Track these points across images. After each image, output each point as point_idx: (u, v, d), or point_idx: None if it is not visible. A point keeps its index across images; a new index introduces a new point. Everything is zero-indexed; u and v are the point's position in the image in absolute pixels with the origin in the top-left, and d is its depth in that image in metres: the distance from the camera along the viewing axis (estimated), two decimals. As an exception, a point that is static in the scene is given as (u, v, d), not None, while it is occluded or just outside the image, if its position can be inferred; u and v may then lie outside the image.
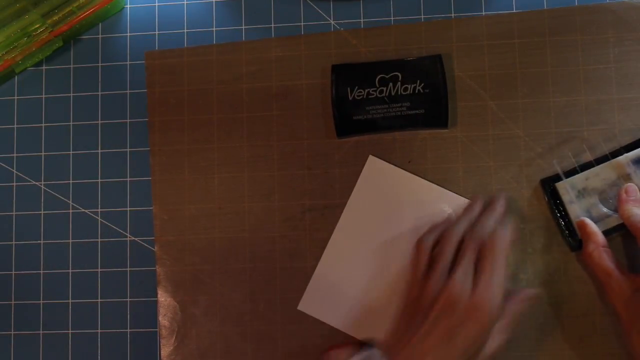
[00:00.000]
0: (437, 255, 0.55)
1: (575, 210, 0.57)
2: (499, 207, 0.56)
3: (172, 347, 0.61)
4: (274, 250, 0.61)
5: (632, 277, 0.54)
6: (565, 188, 0.58)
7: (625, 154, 0.58)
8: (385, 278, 0.60)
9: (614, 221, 0.57)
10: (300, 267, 0.61)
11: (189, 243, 0.62)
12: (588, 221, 0.57)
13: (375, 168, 0.61)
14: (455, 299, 0.51)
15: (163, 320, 0.62)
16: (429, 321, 0.51)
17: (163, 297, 0.62)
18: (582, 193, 0.57)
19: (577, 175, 0.58)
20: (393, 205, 0.61)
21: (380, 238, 0.60)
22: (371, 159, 0.61)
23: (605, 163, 0.58)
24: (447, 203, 0.60)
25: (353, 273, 0.60)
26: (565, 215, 0.58)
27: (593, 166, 0.58)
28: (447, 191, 0.60)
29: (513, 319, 0.54)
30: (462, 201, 0.60)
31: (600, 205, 0.57)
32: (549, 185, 0.59)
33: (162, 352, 0.61)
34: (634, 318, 0.52)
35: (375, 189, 0.61)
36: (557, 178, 0.58)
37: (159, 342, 0.62)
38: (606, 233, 0.57)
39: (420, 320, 0.52)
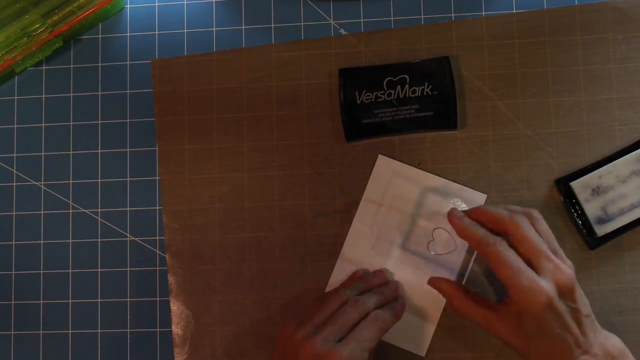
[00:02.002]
0: (314, 311, 0.54)
1: (592, 208, 0.58)
2: (392, 288, 0.57)
3: (186, 355, 0.61)
4: (286, 256, 0.61)
5: (505, 308, 0.52)
6: (580, 187, 0.58)
7: (636, 150, 0.58)
8: (400, 277, 0.60)
9: (631, 217, 0.58)
10: (313, 272, 0.61)
11: (200, 251, 0.62)
12: (439, 279, 0.57)
13: (385, 167, 0.61)
14: (314, 353, 0.50)
15: (176, 328, 0.62)
16: None
17: (176, 306, 0.62)
18: (596, 191, 0.58)
19: (590, 174, 0.58)
20: (405, 202, 0.61)
21: (394, 236, 0.60)
22: (381, 158, 0.61)
23: (617, 160, 0.58)
24: (459, 197, 0.60)
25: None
26: (582, 214, 0.58)
27: (605, 164, 0.58)
28: (459, 185, 0.60)
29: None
30: (476, 195, 0.60)
31: (617, 202, 0.58)
32: (563, 185, 0.59)
33: (175, 361, 0.62)
34: (527, 343, 0.51)
35: (386, 188, 0.61)
36: (571, 177, 0.59)
37: (159, 344, 0.62)
38: (625, 229, 0.57)
39: None
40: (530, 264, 0.52)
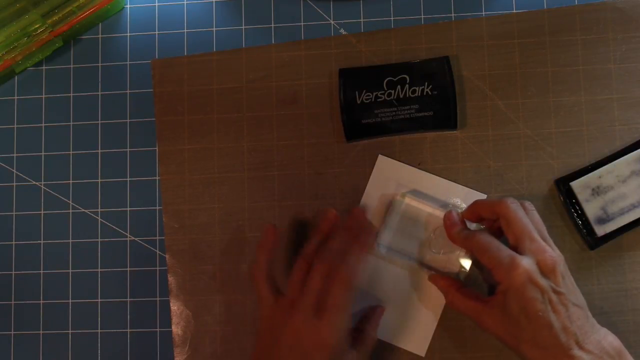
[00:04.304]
0: (289, 283, 0.55)
1: (592, 208, 0.58)
2: (356, 222, 0.56)
3: (186, 355, 0.61)
4: (285, 256, 0.61)
5: (492, 298, 0.53)
6: (580, 187, 0.58)
7: (636, 150, 0.58)
8: (400, 276, 0.60)
9: (631, 217, 0.58)
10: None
11: (200, 251, 0.62)
12: (437, 275, 0.58)
13: (385, 167, 0.61)
14: (300, 329, 0.51)
15: (176, 328, 0.62)
16: (275, 358, 0.52)
17: (176, 306, 0.62)
18: (596, 191, 0.58)
19: (590, 174, 0.58)
20: (405, 202, 0.60)
21: (394, 236, 0.60)
22: (381, 158, 0.61)
23: (617, 160, 0.58)
24: (459, 198, 0.60)
25: (368, 275, 0.60)
26: (582, 214, 0.58)
27: (605, 164, 0.58)
28: (459, 185, 0.60)
29: (371, 342, 0.56)
30: (476, 196, 0.60)
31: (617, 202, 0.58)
32: (563, 185, 0.59)
33: (175, 361, 0.62)
34: (515, 331, 0.51)
35: (386, 188, 0.61)
36: (571, 177, 0.59)
37: (159, 344, 0.62)
38: (625, 229, 0.58)
39: (268, 355, 0.53)
40: (516, 246, 0.52)
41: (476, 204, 0.56)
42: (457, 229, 0.56)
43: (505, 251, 0.52)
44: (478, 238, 0.54)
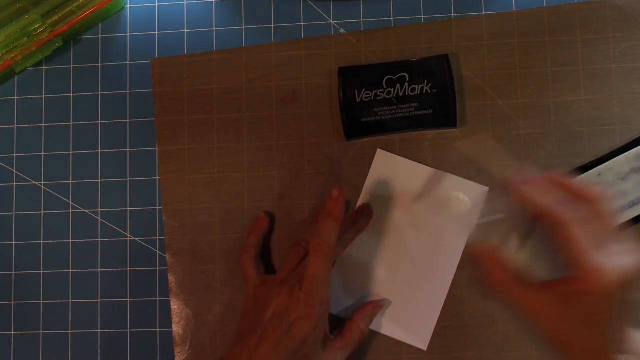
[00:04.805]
0: (282, 266, 0.58)
1: None
2: (333, 202, 0.55)
3: (186, 355, 0.61)
4: (286, 255, 0.61)
5: (554, 292, 0.47)
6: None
7: (636, 148, 0.58)
8: (401, 271, 0.60)
9: (631, 214, 0.58)
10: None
11: (200, 250, 0.62)
12: (484, 245, 0.50)
13: (384, 161, 0.61)
14: (285, 301, 0.53)
15: (177, 328, 0.61)
16: (260, 329, 0.53)
17: (176, 305, 0.62)
18: None
19: (589, 171, 0.58)
20: (405, 197, 0.61)
21: (394, 231, 0.60)
22: (380, 152, 0.61)
23: (617, 158, 0.58)
24: (462, 191, 0.60)
25: (369, 268, 0.60)
26: None
27: (605, 161, 0.58)
28: (460, 178, 0.60)
29: (357, 332, 0.56)
30: (478, 189, 0.60)
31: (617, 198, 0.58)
32: None
33: (176, 360, 0.62)
34: (570, 330, 0.47)
35: (386, 182, 0.61)
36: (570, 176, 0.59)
37: (159, 344, 0.62)
38: (625, 227, 0.58)
39: (252, 329, 0.53)
40: (600, 242, 0.46)
41: (552, 179, 0.48)
42: (534, 190, 0.47)
43: (594, 253, 0.45)
44: (570, 228, 0.46)
